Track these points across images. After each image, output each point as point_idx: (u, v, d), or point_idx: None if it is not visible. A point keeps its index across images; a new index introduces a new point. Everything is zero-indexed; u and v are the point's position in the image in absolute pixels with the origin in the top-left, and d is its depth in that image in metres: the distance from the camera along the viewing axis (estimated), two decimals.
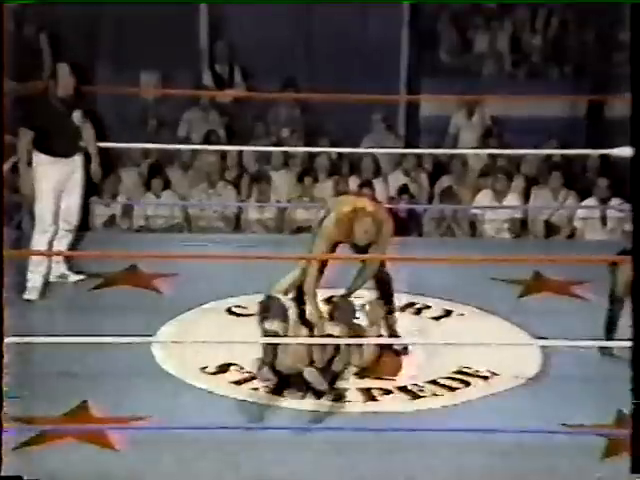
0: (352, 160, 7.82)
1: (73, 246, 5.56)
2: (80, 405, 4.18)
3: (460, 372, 4.57)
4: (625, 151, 5.85)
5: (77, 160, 5.35)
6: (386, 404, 4.32)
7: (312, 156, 7.74)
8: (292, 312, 4.31)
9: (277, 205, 7.29)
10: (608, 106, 8.21)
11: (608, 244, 6.85)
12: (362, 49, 8.36)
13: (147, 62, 8.34)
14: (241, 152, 7.78)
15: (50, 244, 5.31)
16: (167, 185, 7.39)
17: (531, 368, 4.60)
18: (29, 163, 5.24)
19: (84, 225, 6.66)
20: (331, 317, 4.27)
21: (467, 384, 4.48)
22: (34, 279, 5.28)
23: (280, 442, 4.02)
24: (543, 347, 4.68)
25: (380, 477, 3.81)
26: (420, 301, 5.32)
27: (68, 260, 5.54)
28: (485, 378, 4.52)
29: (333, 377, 4.29)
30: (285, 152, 7.66)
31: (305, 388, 4.28)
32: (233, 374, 4.52)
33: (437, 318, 5.18)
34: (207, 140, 7.81)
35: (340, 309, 4.39)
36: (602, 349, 4.58)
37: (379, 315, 4.64)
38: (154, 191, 7.29)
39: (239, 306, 5.28)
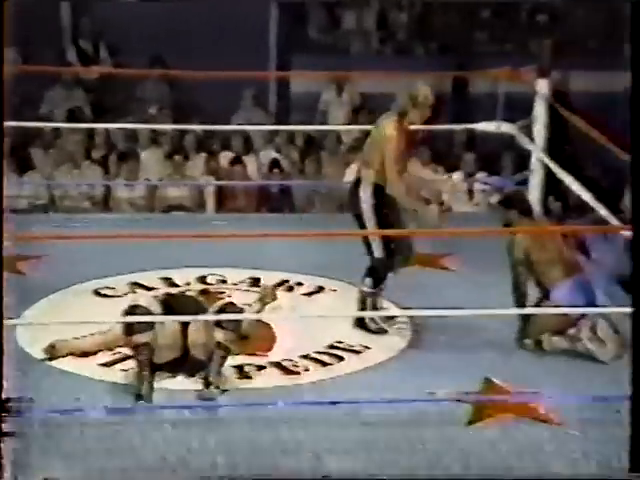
0: (223, 137, 7.76)
1: None
2: None
3: (333, 347, 4.61)
4: (489, 126, 6.04)
5: None
6: (259, 380, 4.32)
7: (182, 134, 7.64)
8: (158, 311, 4.22)
9: (147, 183, 7.17)
10: (471, 83, 8.42)
11: (475, 216, 7.05)
12: (232, 26, 8.29)
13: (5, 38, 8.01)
14: (108, 130, 7.61)
15: None
16: (30, 165, 7.16)
17: (401, 341, 4.69)
18: None
19: None
20: (218, 324, 4.21)
21: (340, 358, 4.52)
22: None
23: (155, 422, 3.97)
24: (413, 319, 4.77)
25: (254, 452, 3.81)
26: (292, 278, 5.34)
27: None
28: (357, 352, 4.58)
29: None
30: (154, 130, 7.53)
31: (178, 370, 4.24)
32: (101, 356, 4.43)
33: (309, 294, 5.21)
34: (71, 118, 7.60)
35: (228, 314, 4.30)
36: None
37: (267, 300, 4.60)
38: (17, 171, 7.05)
39: (107, 287, 5.17)
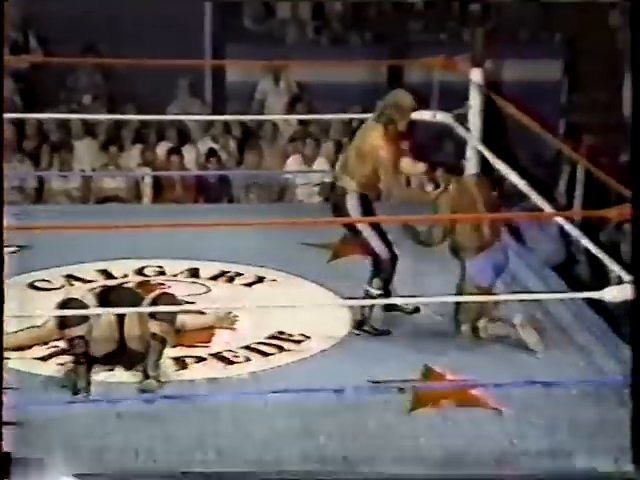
0: (159, 127, 7.68)
1: None
2: None
3: (274, 337, 4.61)
4: (424, 115, 6.08)
5: None
6: (199, 371, 4.30)
7: (118, 124, 7.54)
8: (92, 303, 4.17)
9: (82, 174, 7.07)
10: (406, 72, 8.48)
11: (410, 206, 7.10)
12: (166, 15, 8.20)
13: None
14: (40, 120, 7.47)
15: None
16: None
17: (342, 329, 4.71)
18: None
19: None
20: (152, 315, 4.17)
21: (281, 349, 4.53)
22: None
23: (92, 415, 3.93)
24: (353, 308, 4.79)
25: (194, 444, 3.80)
26: (232, 269, 5.32)
27: None
28: (298, 342, 4.59)
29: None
30: (88, 120, 7.42)
31: (115, 363, 4.20)
32: (37, 350, 4.36)
33: (249, 285, 5.20)
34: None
35: (163, 305, 4.25)
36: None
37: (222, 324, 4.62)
38: None
39: (43, 280, 5.09)
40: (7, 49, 8.07)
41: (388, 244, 4.65)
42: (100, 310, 4.15)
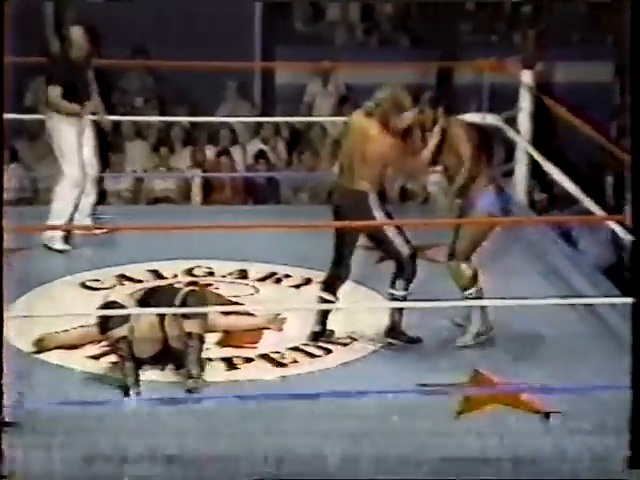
0: (209, 129, 7.75)
1: None
2: None
3: (322, 339, 4.62)
4: (474, 117, 6.06)
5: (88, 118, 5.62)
6: (248, 372, 4.33)
7: (168, 126, 7.62)
8: (131, 305, 4.22)
9: (133, 175, 7.16)
10: (456, 74, 8.44)
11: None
12: (217, 17, 8.27)
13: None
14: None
15: (78, 199, 5.50)
16: (14, 157, 7.12)
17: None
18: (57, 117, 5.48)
19: None
20: (185, 316, 4.20)
21: (328, 350, 4.53)
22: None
23: (143, 414, 3.97)
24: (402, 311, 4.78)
25: (244, 444, 3.82)
26: (281, 270, 5.34)
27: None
28: (345, 344, 4.59)
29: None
30: (140, 122, 7.51)
31: (163, 362, 4.25)
32: (89, 349, 4.42)
33: (297, 286, 5.22)
34: None
35: (192, 303, 4.28)
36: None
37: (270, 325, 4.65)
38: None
39: (94, 280, 5.16)
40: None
41: (407, 240, 4.59)
42: (136, 310, 4.17)
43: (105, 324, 4.16)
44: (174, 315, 4.18)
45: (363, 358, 4.49)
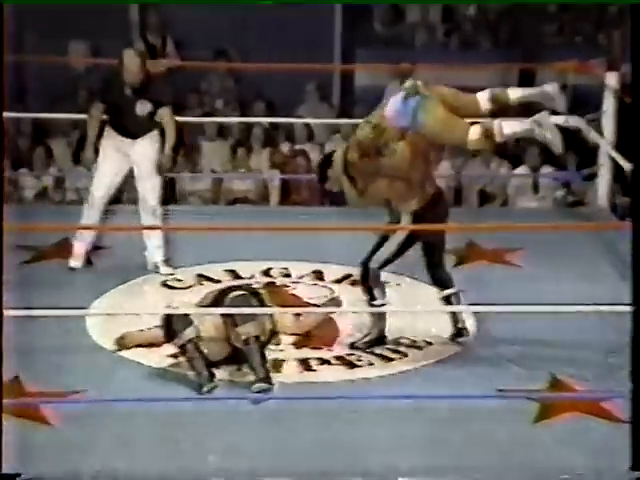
0: (287, 130, 7.79)
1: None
2: (12, 380, 4.11)
3: (397, 342, 4.60)
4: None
5: (142, 144, 5.22)
6: (323, 374, 4.33)
7: (248, 127, 7.69)
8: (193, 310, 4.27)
9: (212, 176, 7.24)
10: (539, 75, 8.31)
11: (539, 211, 6.97)
12: (296, 19, 8.31)
13: (75, 32, 8.18)
14: None
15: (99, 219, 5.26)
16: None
17: (465, 337, 4.65)
18: (99, 137, 5.26)
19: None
20: (235, 323, 4.20)
21: (403, 354, 4.51)
22: (78, 247, 5.31)
23: (218, 414, 4.01)
24: (478, 315, 4.74)
25: (318, 447, 3.83)
26: (356, 272, 5.33)
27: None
28: (420, 348, 4.56)
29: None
30: (219, 123, 7.59)
31: (233, 363, 4.27)
32: (168, 347, 4.48)
33: None
34: None
35: (240, 306, 4.28)
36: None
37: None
38: (85, 163, 7.15)
39: (175, 279, 5.23)
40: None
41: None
42: (195, 310, 4.18)
43: (170, 333, 4.21)
44: (230, 318, 4.20)
45: (438, 362, 4.45)
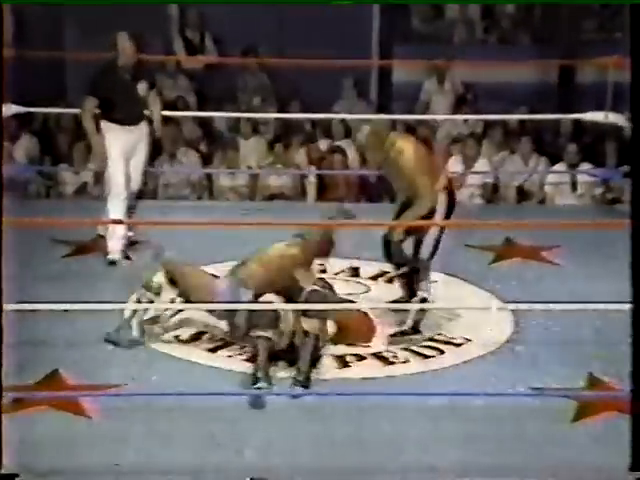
0: (325, 127, 7.79)
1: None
2: (52, 373, 4.16)
3: (433, 339, 4.59)
4: (596, 116, 5.90)
5: (142, 128, 5.41)
6: (360, 370, 4.33)
7: (285, 123, 7.70)
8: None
9: (248, 172, 7.26)
10: (579, 72, 8.23)
11: (578, 209, 6.91)
12: (335, 16, 8.30)
13: (116, 27, 8.24)
14: (211, 119, 7.74)
15: (125, 209, 5.40)
16: None
17: (503, 333, 4.64)
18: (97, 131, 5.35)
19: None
20: (304, 314, 4.25)
21: (440, 351, 4.50)
22: (113, 242, 5.38)
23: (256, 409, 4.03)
24: (514, 312, 4.71)
25: (354, 443, 3.83)
26: (391, 269, 5.32)
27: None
28: (458, 345, 4.55)
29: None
30: (256, 119, 7.62)
31: (288, 357, 4.29)
32: (206, 342, 4.52)
33: None
34: (174, 107, 7.74)
35: (313, 302, 4.32)
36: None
37: None
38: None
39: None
40: (184, 49, 8.43)
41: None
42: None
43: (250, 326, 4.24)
44: (301, 313, 4.24)
45: (476, 359, 4.43)
